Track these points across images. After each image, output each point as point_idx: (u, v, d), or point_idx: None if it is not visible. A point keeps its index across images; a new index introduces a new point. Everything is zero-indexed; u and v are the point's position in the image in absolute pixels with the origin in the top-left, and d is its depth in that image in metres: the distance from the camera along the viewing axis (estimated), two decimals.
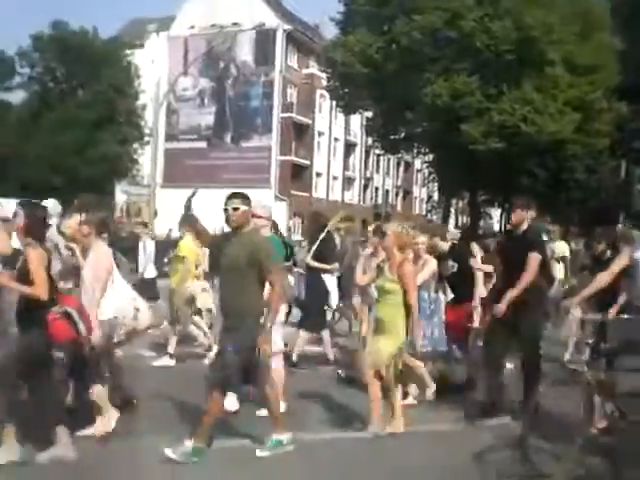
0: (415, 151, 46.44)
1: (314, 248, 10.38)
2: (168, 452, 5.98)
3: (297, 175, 66.62)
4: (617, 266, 6.51)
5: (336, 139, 74.34)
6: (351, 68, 34.93)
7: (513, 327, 7.54)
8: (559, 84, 32.89)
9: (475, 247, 10.19)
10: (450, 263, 9.24)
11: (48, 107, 62.07)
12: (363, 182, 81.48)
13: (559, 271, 13.59)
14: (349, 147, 77.56)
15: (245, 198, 6.41)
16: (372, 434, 6.96)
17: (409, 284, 7.18)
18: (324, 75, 42.88)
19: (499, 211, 61.91)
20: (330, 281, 10.88)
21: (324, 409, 8.18)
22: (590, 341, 6.38)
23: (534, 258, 7.52)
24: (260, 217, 7.44)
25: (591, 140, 34.70)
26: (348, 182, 77.83)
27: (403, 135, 40.43)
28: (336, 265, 11.01)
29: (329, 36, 45.34)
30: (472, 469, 6.05)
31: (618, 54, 34.10)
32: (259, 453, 6.34)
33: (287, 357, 10.49)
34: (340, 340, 12.30)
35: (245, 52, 64.58)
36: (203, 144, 65.05)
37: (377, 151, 65.38)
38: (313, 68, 64.96)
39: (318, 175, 71.03)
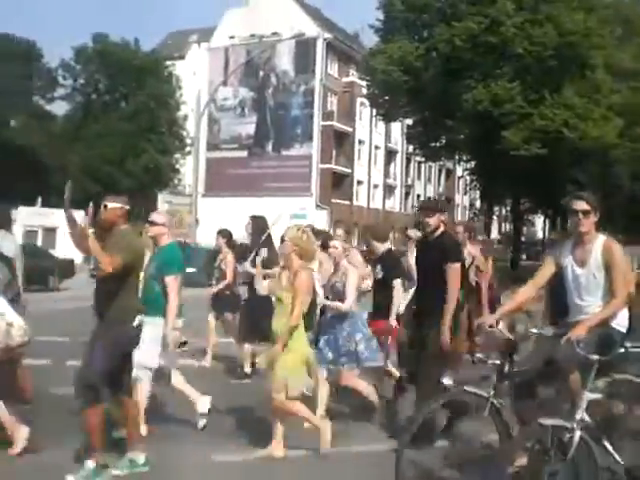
0: (457, 158, 46.15)
1: (253, 254, 9.65)
2: (69, 478, 5.65)
3: (338, 183, 66.55)
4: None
5: (377, 147, 74.18)
6: (391, 76, 34.79)
7: (424, 344, 6.83)
8: (601, 89, 32.52)
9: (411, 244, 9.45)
10: (377, 269, 8.48)
11: (91, 118, 62.86)
12: (404, 190, 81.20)
13: None
14: (390, 155, 77.35)
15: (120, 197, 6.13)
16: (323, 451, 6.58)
17: (297, 294, 6.45)
18: (364, 83, 42.78)
19: (542, 218, 61.36)
20: None
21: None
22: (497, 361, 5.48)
23: (454, 269, 6.82)
24: (155, 224, 7.16)
25: (636, 145, 34.21)
26: (389, 190, 77.61)
27: (444, 142, 40.20)
28: (276, 270, 10.04)
29: (369, 44, 45.29)
30: None
31: None
32: (113, 472, 5.88)
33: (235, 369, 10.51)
34: None
35: (285, 61, 64.76)
36: (244, 153, 65.29)
37: (418, 158, 65.16)
38: (353, 76, 64.89)
39: (359, 183, 70.90)
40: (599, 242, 5.58)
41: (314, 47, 63.85)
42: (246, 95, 66.13)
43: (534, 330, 6.09)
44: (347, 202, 66.81)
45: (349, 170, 68.59)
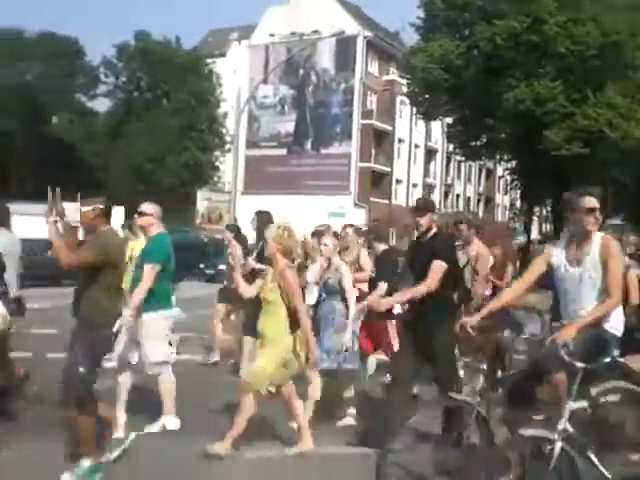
0: (497, 157, 45.75)
1: (258, 249, 9.56)
2: (65, 477, 5.62)
3: (377, 182, 66.38)
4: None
5: (416, 146, 73.87)
6: (431, 74, 34.62)
7: (422, 346, 6.54)
8: None
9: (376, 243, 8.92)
10: (372, 269, 8.46)
11: (133, 115, 63.44)
12: (444, 189, 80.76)
13: None
14: (430, 154, 77.01)
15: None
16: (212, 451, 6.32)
17: (293, 293, 6.40)
18: (404, 81, 42.59)
19: None
20: None
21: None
22: (484, 366, 5.20)
23: (437, 265, 6.49)
24: (144, 214, 7.14)
25: None
26: (428, 189, 77.21)
27: (485, 141, 39.89)
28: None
29: (409, 42, 45.09)
30: None
31: None
32: (65, 478, 5.68)
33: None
34: None
35: (325, 59, 64.72)
36: (283, 151, 65.40)
37: (458, 157, 64.72)
38: (393, 74, 64.63)
39: (398, 182, 70.66)
40: (597, 240, 5.31)
41: (354, 45, 63.73)
42: (286, 93, 66.22)
43: (525, 334, 5.80)
44: (386, 201, 66.60)
45: (388, 169, 68.40)
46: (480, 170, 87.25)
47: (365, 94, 65.80)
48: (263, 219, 9.95)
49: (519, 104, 31.58)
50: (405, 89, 43.97)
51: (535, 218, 63.30)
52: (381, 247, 8.50)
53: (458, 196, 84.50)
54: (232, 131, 57.31)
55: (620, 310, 5.48)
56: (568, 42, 30.84)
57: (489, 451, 5.15)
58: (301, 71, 65.27)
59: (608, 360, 4.88)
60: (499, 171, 78.28)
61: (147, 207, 7.20)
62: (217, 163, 67.27)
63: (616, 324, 5.38)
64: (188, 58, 65.67)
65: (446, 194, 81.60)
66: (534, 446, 4.75)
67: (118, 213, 38.38)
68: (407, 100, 46.37)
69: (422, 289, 6.41)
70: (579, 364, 4.78)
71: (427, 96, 38.19)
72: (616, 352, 5.27)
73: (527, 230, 44.02)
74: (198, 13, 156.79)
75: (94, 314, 5.75)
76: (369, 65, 66.48)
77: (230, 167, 45.90)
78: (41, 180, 58.77)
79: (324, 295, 7.72)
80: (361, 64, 64.81)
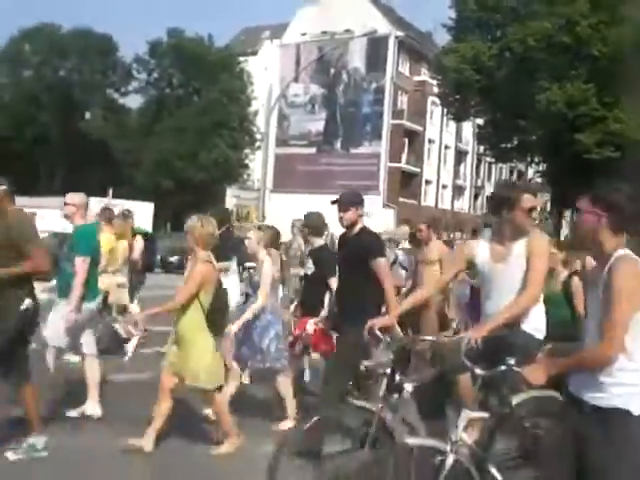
0: (528, 160, 45.49)
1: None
2: (9, 455, 5.74)
3: (406, 183, 66.24)
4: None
5: (447, 147, 73.62)
6: (463, 75, 34.53)
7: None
8: None
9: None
10: (308, 264, 8.13)
11: (164, 112, 63.83)
12: (474, 191, 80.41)
13: None
14: (460, 155, 76.70)
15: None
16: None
17: (186, 283, 6.17)
18: (435, 82, 42.49)
19: None
20: (229, 280, 9.78)
21: None
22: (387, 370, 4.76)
23: (381, 264, 6.20)
24: (67, 204, 7.07)
25: None
26: (458, 191, 76.96)
27: (515, 143, 39.68)
28: (227, 264, 9.40)
29: (441, 43, 44.96)
30: None
31: None
32: (11, 456, 5.75)
33: None
34: None
35: (356, 59, 64.65)
36: (313, 150, 65.41)
37: (489, 159, 64.44)
38: (425, 75, 64.49)
39: (427, 183, 70.47)
40: (527, 237, 4.96)
41: (386, 45, 63.60)
42: (317, 92, 66.22)
43: (428, 337, 5.62)
44: (415, 202, 66.44)
45: (418, 169, 68.23)
46: (511, 172, 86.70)
47: (396, 94, 65.66)
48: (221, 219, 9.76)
49: (551, 106, 31.37)
50: (436, 90, 43.89)
51: (566, 221, 62.77)
52: (317, 242, 8.20)
53: (488, 198, 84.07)
54: (262, 129, 57.45)
55: (541, 309, 5.13)
56: (600, 44, 30.57)
57: (376, 459, 4.73)
58: (332, 70, 65.24)
59: (504, 368, 4.09)
60: (530, 173, 77.86)
61: (71, 197, 7.14)
62: (247, 161, 67.47)
63: (538, 325, 5.04)
64: (220, 56, 65.91)
65: (476, 196, 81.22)
66: (423, 456, 4.40)
67: (147, 209, 38.77)
68: (438, 101, 46.30)
69: (390, 293, 6.20)
70: (478, 370, 4.34)
71: (458, 97, 38.07)
72: (539, 355, 4.53)
73: (557, 232, 43.71)
74: (231, 11, 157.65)
75: (8, 295, 5.77)
76: (400, 65, 66.32)
77: (260, 165, 45.99)
78: (73, 175, 59.57)
79: (251, 292, 7.60)
80: (392, 64, 64.67)
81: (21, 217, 6.03)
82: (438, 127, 69.96)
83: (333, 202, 6.33)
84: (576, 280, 7.78)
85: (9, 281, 5.74)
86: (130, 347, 10.56)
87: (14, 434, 6.06)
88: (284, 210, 45.23)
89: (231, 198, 52.76)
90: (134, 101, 70.53)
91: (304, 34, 65.10)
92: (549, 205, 62.10)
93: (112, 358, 9.55)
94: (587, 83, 31.36)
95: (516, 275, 4.97)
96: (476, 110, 39.49)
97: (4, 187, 5.90)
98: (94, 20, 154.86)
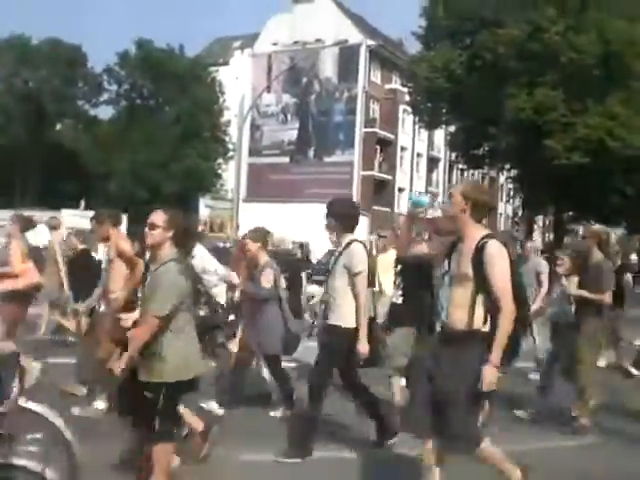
0: (499, 166, 45.83)
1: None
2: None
3: (379, 190, 66.45)
4: None
5: (419, 154, 73.98)
6: (433, 83, 34.75)
7: None
8: None
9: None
10: None
11: (135, 123, 63.58)
12: (447, 197, 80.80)
13: None
14: (432, 162, 77.11)
15: None
16: None
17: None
18: (407, 90, 42.71)
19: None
20: None
21: None
22: None
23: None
24: None
25: None
26: (431, 197, 77.24)
27: (486, 150, 39.97)
28: None
29: (412, 51, 45.25)
30: None
31: None
32: None
33: None
34: None
35: (328, 68, 64.83)
36: (286, 159, 65.42)
37: (461, 166, 64.84)
38: (396, 83, 64.81)
39: (400, 190, 70.69)
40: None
41: (357, 54, 63.83)
42: (289, 101, 66.31)
43: None
44: (388, 209, 66.64)
45: (390, 177, 68.49)
46: (482, 179, 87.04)
47: (368, 103, 65.90)
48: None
49: (520, 113, 31.66)
50: (408, 98, 44.11)
51: (536, 227, 63.22)
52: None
53: None
54: (235, 139, 57.45)
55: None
56: (569, 51, 30.90)
57: None
58: (304, 79, 65.35)
59: None
60: (501, 180, 78.40)
61: None
62: (220, 171, 67.41)
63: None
64: (191, 66, 65.85)
65: None
66: None
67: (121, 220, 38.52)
68: (410, 109, 46.55)
69: None
70: None
71: (429, 105, 38.31)
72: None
73: (527, 239, 44.03)
74: (202, 21, 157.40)
75: None
76: (372, 74, 66.57)
77: (233, 175, 45.99)
78: (45, 187, 59.20)
79: None
80: (364, 73, 64.91)
81: None
82: (410, 135, 70.26)
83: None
84: None
85: None
86: None
87: None
88: (258, 220, 45.24)
89: (204, 208, 52.67)
90: (105, 112, 70.35)
91: (275, 44, 65.20)
92: (521, 211, 62.69)
93: None
94: (555, 89, 31.66)
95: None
96: (447, 118, 39.73)
97: None
98: (62, 31, 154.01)
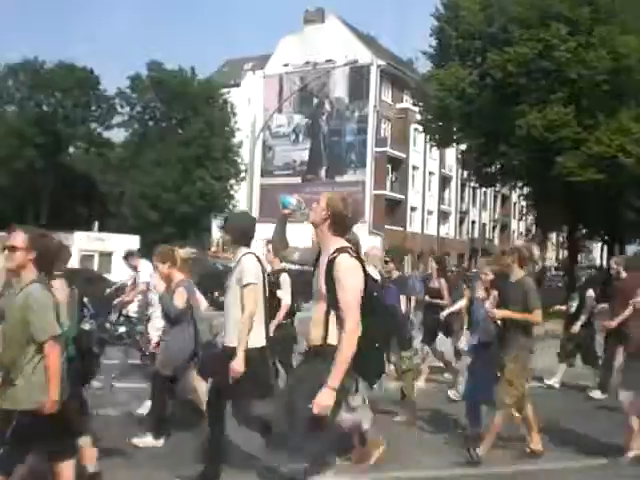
0: (512, 184, 45.70)
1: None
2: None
3: (391, 209, 66.52)
4: None
5: (431, 173, 74.03)
6: (444, 102, 34.69)
7: None
8: None
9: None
10: None
11: (148, 145, 63.86)
12: (459, 216, 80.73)
13: None
14: (444, 180, 77.13)
15: None
16: None
17: None
18: (417, 109, 42.72)
19: (599, 245, 60.33)
20: None
21: None
22: None
23: None
24: None
25: None
26: (443, 216, 77.25)
27: (499, 168, 39.84)
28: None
29: (423, 70, 45.31)
30: None
31: None
32: None
33: None
34: None
35: (339, 88, 65.12)
36: (298, 179, 65.58)
37: (473, 184, 64.86)
38: (407, 102, 64.98)
39: (413, 209, 70.75)
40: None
41: (368, 74, 64.14)
42: (300, 122, 66.60)
43: None
44: (401, 228, 66.65)
45: (403, 196, 68.52)
46: (495, 196, 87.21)
47: (379, 122, 66.12)
48: None
49: (531, 130, 31.52)
50: (418, 117, 44.10)
51: (552, 244, 63.07)
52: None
53: (473, 223, 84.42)
54: (247, 160, 57.63)
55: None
56: (579, 67, 30.81)
57: None
58: (315, 100, 65.67)
59: None
60: (514, 197, 78.26)
61: None
62: (232, 192, 67.56)
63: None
64: (202, 88, 66.15)
65: (461, 221, 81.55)
66: None
67: (133, 242, 38.72)
68: (420, 128, 46.58)
69: None
70: None
71: (440, 124, 38.22)
72: None
73: (542, 257, 43.85)
74: (213, 43, 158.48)
75: None
76: (383, 93, 66.81)
77: (245, 196, 46.17)
78: (57, 209, 59.44)
79: None
80: (375, 92, 65.17)
81: None
82: (422, 154, 70.38)
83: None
84: None
85: None
86: None
87: None
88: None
89: (217, 229, 52.79)
90: (118, 135, 70.64)
91: (286, 65, 65.60)
92: (534, 228, 62.51)
93: None
94: (567, 107, 31.55)
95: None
96: (458, 136, 39.66)
97: None
98: (75, 55, 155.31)
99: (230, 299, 6.40)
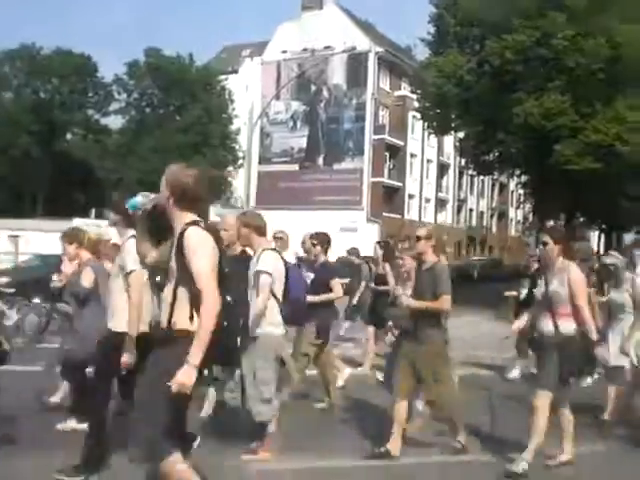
0: (509, 172, 45.68)
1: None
2: None
3: (389, 197, 66.47)
4: None
5: (429, 160, 73.98)
6: (442, 89, 34.60)
7: None
8: None
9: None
10: None
11: (145, 132, 63.79)
12: (457, 204, 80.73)
13: None
14: (442, 168, 77.09)
15: None
16: None
17: None
18: (415, 96, 42.64)
19: (597, 233, 60.39)
20: None
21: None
22: None
23: None
24: None
25: None
26: (441, 204, 77.25)
27: (496, 156, 39.82)
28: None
29: (421, 58, 45.17)
30: None
31: None
32: None
33: None
34: None
35: (337, 75, 64.95)
36: (295, 166, 65.57)
37: (471, 172, 64.88)
38: (405, 90, 64.83)
39: (410, 197, 70.73)
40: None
41: (366, 61, 63.97)
42: (298, 109, 66.45)
43: None
44: (398, 216, 66.63)
45: (400, 184, 68.49)
46: (493, 184, 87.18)
47: (377, 109, 65.99)
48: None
49: (528, 118, 31.46)
50: (416, 104, 44.01)
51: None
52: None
53: (471, 211, 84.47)
54: (244, 147, 57.54)
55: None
56: (577, 55, 30.73)
57: None
58: (313, 87, 65.51)
59: None
60: (511, 185, 78.29)
61: None
62: (229, 179, 67.53)
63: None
64: (200, 74, 66.04)
65: (459, 209, 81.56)
66: None
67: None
68: (418, 115, 46.47)
69: None
70: None
71: (438, 111, 38.13)
72: None
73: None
74: (211, 30, 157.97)
75: None
76: (381, 81, 66.66)
77: (243, 183, 46.16)
78: (54, 196, 59.43)
79: None
80: (373, 80, 65.02)
81: None
82: (419, 141, 70.32)
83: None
84: None
85: None
86: None
87: None
88: (268, 227, 45.15)
89: (214, 216, 52.76)
90: (115, 122, 70.54)
91: (284, 51, 65.41)
92: (531, 216, 62.54)
93: None
94: (564, 95, 31.49)
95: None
96: (456, 124, 39.58)
97: None
98: (72, 41, 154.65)
99: (114, 285, 6.29)
